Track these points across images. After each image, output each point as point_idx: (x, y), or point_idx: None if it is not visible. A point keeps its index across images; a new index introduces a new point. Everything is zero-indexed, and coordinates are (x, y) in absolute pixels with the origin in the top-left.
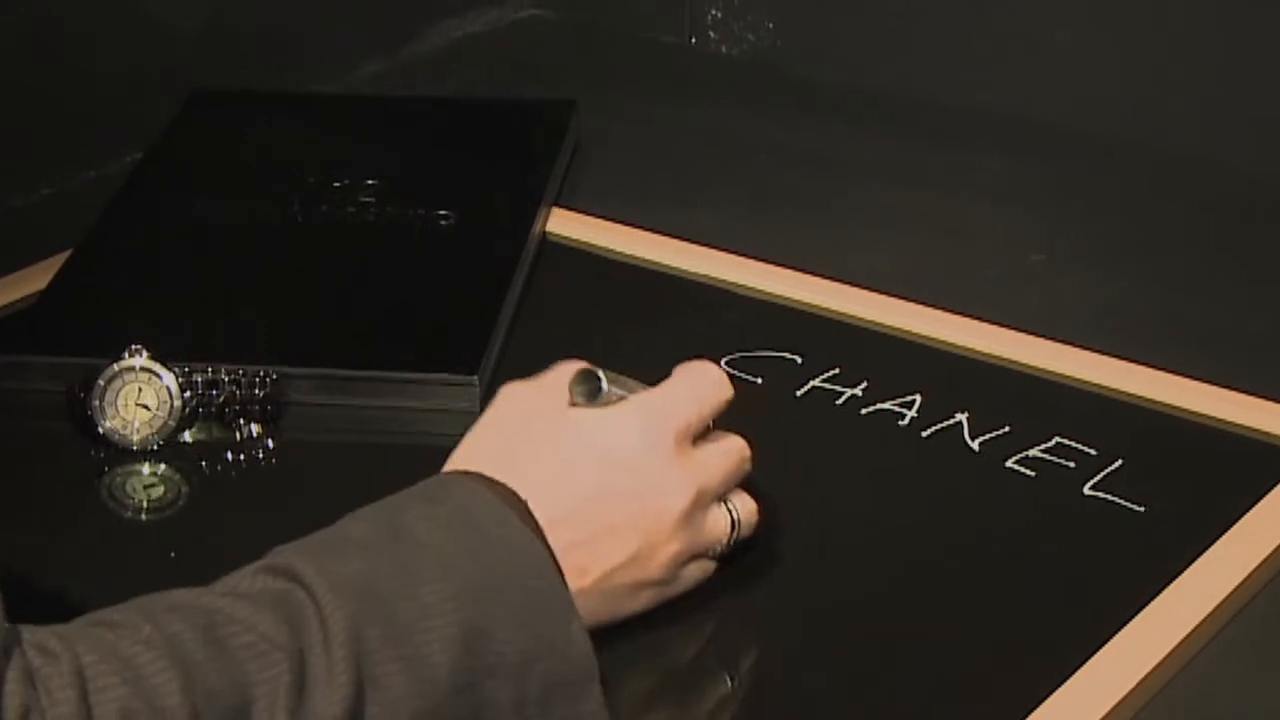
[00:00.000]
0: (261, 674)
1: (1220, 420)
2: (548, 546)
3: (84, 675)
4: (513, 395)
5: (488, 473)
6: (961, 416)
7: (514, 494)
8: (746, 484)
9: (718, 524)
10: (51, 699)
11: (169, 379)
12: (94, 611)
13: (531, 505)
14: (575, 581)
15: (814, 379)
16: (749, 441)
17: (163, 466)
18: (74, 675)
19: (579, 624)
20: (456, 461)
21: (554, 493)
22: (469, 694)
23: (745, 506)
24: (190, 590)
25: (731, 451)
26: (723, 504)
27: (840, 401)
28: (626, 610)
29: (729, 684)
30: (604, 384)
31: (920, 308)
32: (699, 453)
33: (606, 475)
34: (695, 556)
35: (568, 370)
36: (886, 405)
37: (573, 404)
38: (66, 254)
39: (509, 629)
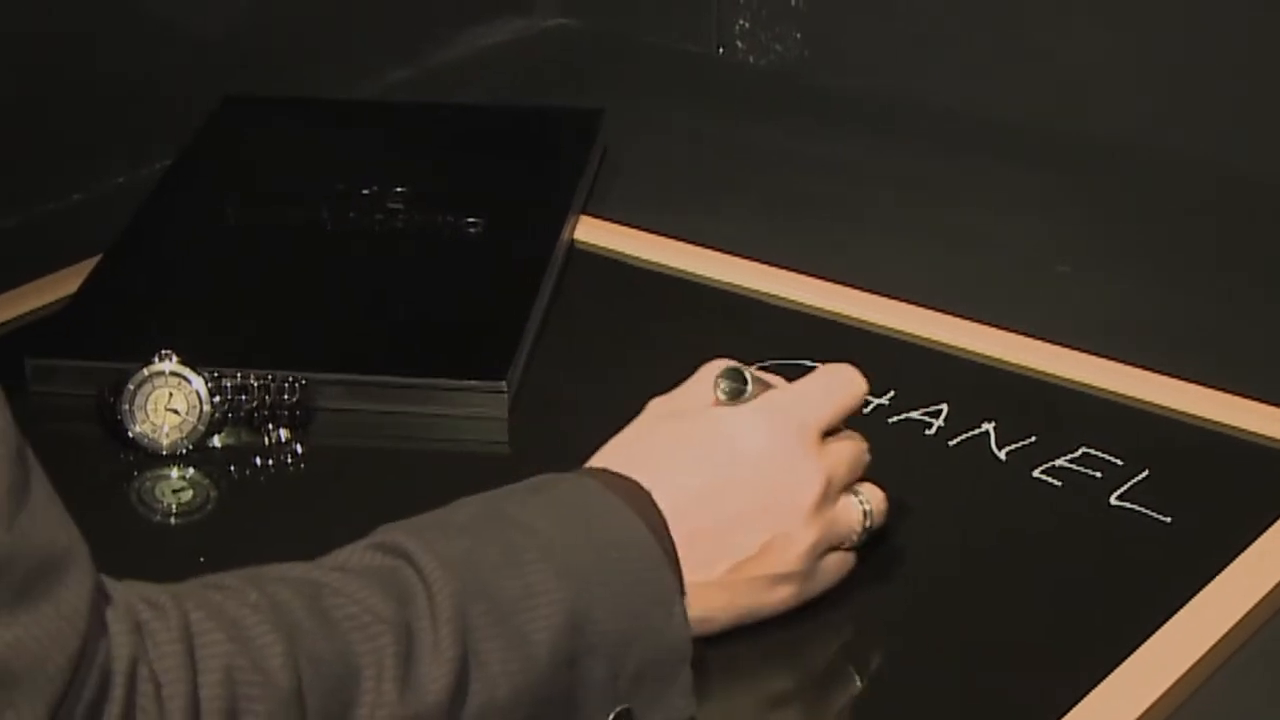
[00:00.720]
0: (366, 644)
1: (1248, 432)
2: (666, 534)
3: (191, 630)
4: (653, 406)
5: (616, 468)
6: (988, 426)
7: (637, 485)
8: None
9: (850, 513)
10: (159, 651)
11: (198, 384)
12: (206, 576)
13: (656, 496)
14: (702, 573)
15: None
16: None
17: (191, 471)
18: (181, 630)
19: (681, 607)
20: (596, 460)
21: (679, 484)
22: (566, 671)
23: (874, 495)
24: (298, 564)
25: (854, 441)
26: (852, 494)
27: (867, 411)
28: (766, 606)
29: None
30: (749, 382)
31: (947, 317)
32: (827, 445)
33: (734, 467)
34: (832, 548)
35: (707, 372)
36: (913, 414)
37: (717, 402)
38: (97, 259)
39: (609, 609)
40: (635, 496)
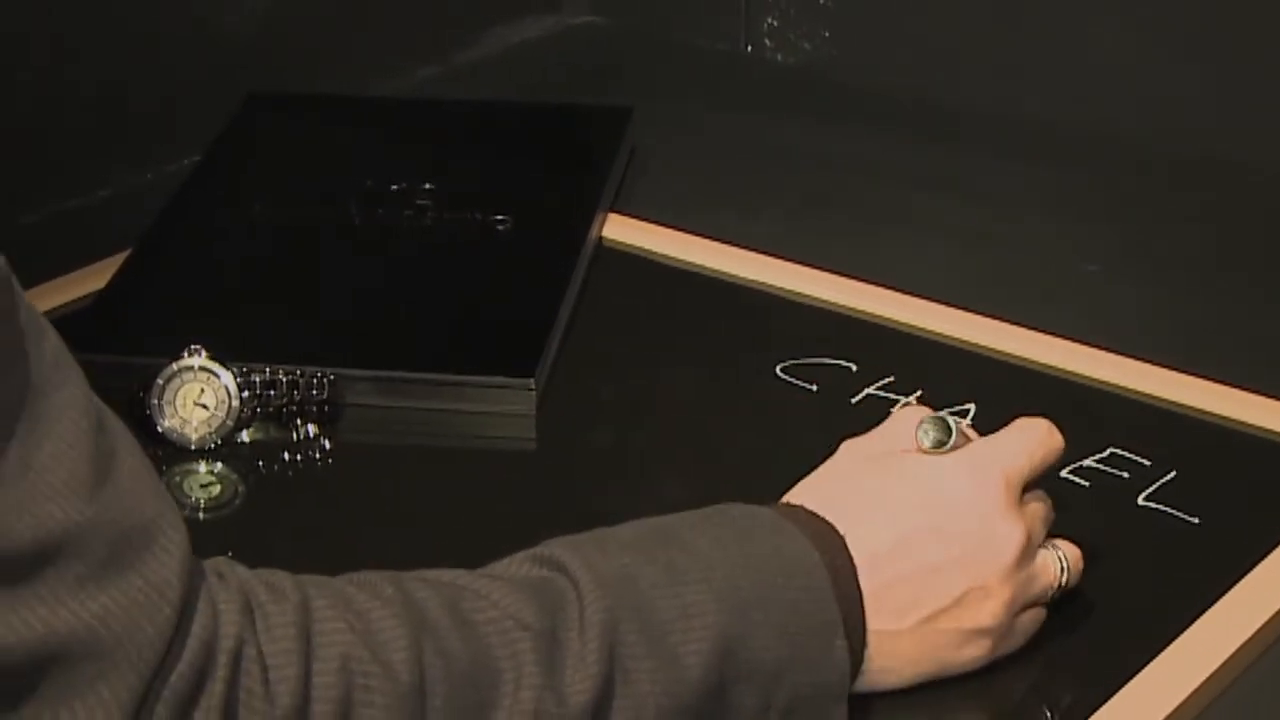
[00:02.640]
0: (504, 649)
1: (1276, 433)
2: (851, 576)
3: (311, 617)
4: (851, 446)
5: (811, 507)
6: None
7: (830, 527)
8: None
9: (1048, 569)
10: (271, 635)
11: (227, 379)
12: (345, 574)
13: (849, 540)
14: (893, 621)
15: (868, 386)
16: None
17: (220, 466)
18: (299, 615)
19: (844, 644)
20: (787, 497)
21: (875, 530)
22: (717, 696)
23: (1071, 552)
24: (447, 570)
25: (1045, 500)
26: (1051, 549)
27: (895, 409)
28: (956, 661)
29: None
30: (954, 431)
31: (975, 316)
32: (1026, 501)
33: (934, 516)
34: (1028, 605)
35: (906, 417)
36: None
37: (919, 449)
38: (126, 254)
39: (768, 638)
40: (822, 535)
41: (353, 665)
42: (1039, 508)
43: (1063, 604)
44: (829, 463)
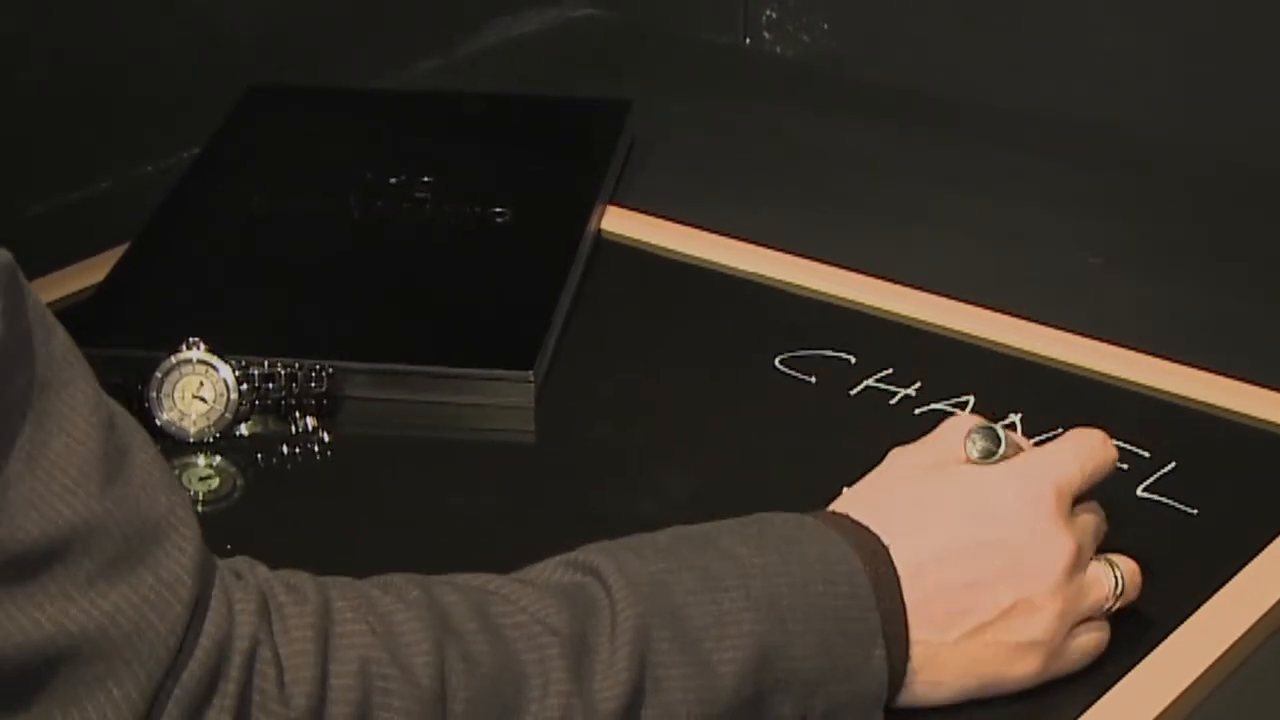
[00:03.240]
0: (531, 654)
1: (1275, 424)
2: (894, 586)
3: (331, 619)
4: (900, 454)
5: (855, 516)
6: (1015, 418)
7: (874, 537)
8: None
9: (1100, 583)
10: (288, 636)
11: (226, 372)
12: (373, 576)
13: (894, 550)
14: (937, 633)
15: (867, 378)
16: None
17: (218, 459)
18: (318, 616)
19: (883, 653)
20: (833, 505)
21: (920, 540)
22: (752, 705)
23: (1128, 567)
24: (479, 575)
25: (1098, 512)
26: (1106, 563)
27: (893, 401)
28: (1006, 677)
29: None
30: (1003, 441)
31: (974, 309)
32: (1077, 514)
33: (980, 528)
34: (1083, 620)
35: (956, 427)
36: (940, 405)
37: (968, 459)
38: (125, 247)
39: (807, 646)
40: (865, 543)
41: (372, 668)
42: (1090, 520)
43: None
44: (876, 471)
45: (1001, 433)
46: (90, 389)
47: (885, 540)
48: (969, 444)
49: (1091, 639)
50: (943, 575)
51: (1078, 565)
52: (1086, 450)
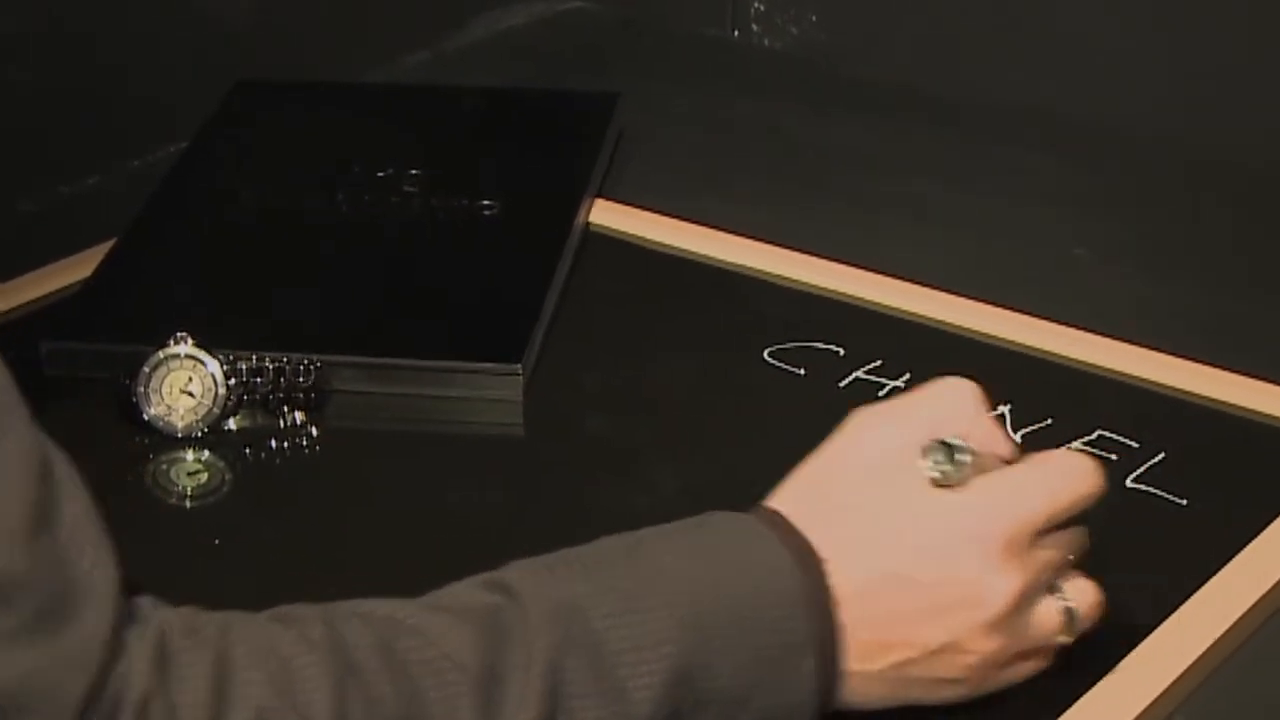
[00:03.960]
0: (438, 691)
1: (1264, 414)
2: (825, 601)
3: (228, 666)
4: (864, 428)
5: (801, 515)
6: (1004, 409)
7: (813, 551)
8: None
9: (1046, 622)
10: (183, 685)
11: (214, 366)
12: (280, 606)
13: (831, 568)
14: (865, 662)
15: (856, 371)
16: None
17: (207, 454)
18: (215, 664)
19: (810, 664)
20: (778, 496)
21: (860, 565)
22: None
23: (1084, 597)
24: (390, 601)
25: (1075, 534)
26: (1056, 597)
27: (883, 393)
28: (930, 699)
29: None
30: (961, 469)
31: (962, 300)
32: (1034, 549)
33: (921, 564)
34: (1021, 655)
35: (936, 399)
36: None
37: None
38: (113, 242)
39: (735, 662)
40: (804, 557)
41: (269, 716)
42: (1051, 556)
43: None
44: (836, 446)
45: (967, 458)
46: (27, 438)
47: (824, 555)
48: (929, 457)
49: (1027, 667)
50: (874, 606)
51: (1018, 609)
52: (1064, 482)
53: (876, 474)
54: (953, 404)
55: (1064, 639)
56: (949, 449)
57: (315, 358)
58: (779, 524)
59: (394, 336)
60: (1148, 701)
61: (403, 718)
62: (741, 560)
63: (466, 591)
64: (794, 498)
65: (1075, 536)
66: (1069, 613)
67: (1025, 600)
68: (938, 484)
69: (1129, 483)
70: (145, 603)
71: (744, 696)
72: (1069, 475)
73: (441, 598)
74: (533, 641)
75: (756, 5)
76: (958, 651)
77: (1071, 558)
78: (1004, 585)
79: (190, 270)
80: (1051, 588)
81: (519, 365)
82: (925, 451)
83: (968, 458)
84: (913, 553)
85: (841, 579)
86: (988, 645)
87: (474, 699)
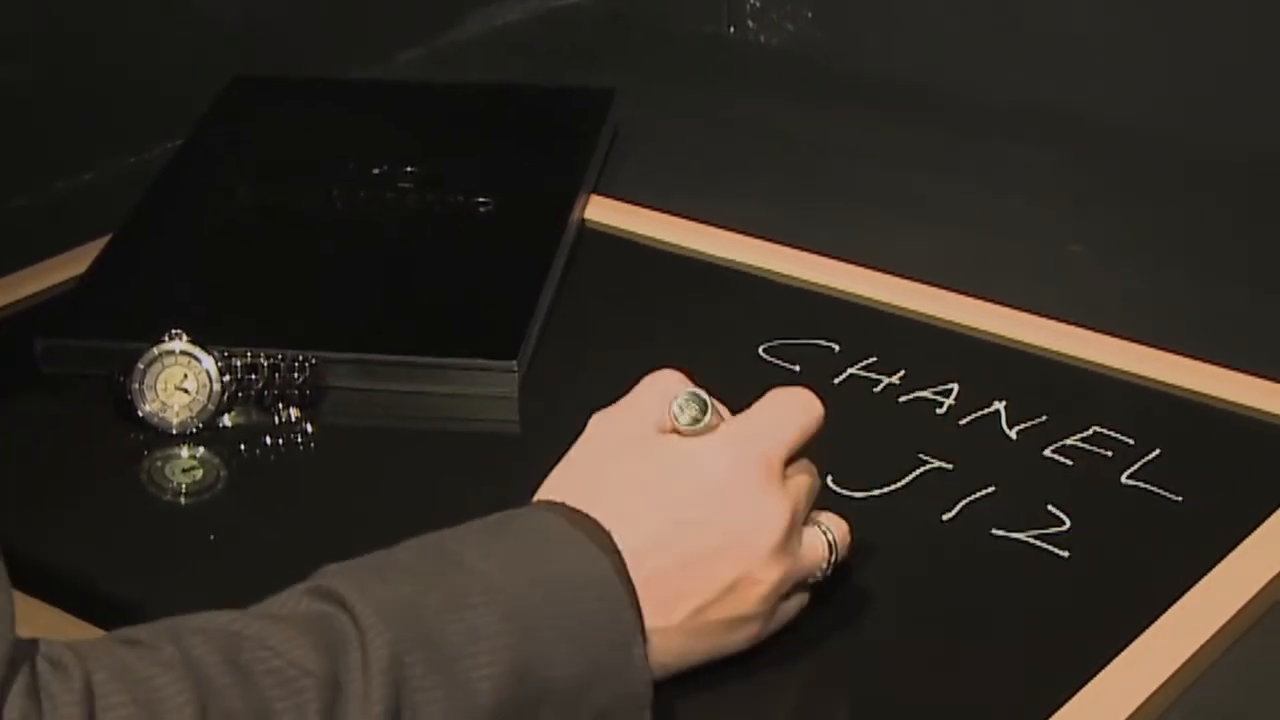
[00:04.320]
0: (285, 700)
1: (1259, 410)
2: (626, 575)
3: (93, 692)
4: (602, 423)
5: (571, 503)
6: (999, 405)
7: (597, 524)
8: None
9: (815, 548)
10: (56, 714)
11: (208, 363)
12: (122, 629)
13: (615, 535)
14: (663, 616)
15: (851, 367)
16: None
17: (201, 450)
18: (83, 691)
19: (641, 649)
20: (545, 491)
21: (639, 522)
22: (516, 718)
23: (838, 527)
24: (224, 613)
25: (811, 473)
26: (815, 526)
27: (878, 389)
28: (724, 647)
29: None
30: (710, 408)
31: (958, 296)
32: (789, 478)
33: (694, 506)
34: (796, 586)
35: (658, 387)
36: (924, 393)
37: (674, 429)
38: (108, 238)
39: (565, 655)
40: (596, 535)
41: None
42: (803, 481)
43: (1045, 581)
44: (582, 444)
45: (708, 400)
46: None
47: (608, 527)
48: (677, 410)
49: (796, 602)
50: (661, 558)
51: (792, 534)
52: (792, 411)
53: (626, 449)
54: (667, 388)
55: (828, 570)
56: (697, 397)
57: (310, 354)
58: (565, 512)
59: (389, 333)
60: (1143, 698)
61: None
62: (554, 558)
63: (295, 600)
64: (560, 489)
65: (813, 473)
66: (829, 540)
67: (796, 524)
68: (687, 434)
69: (1124, 479)
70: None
71: (581, 688)
72: (797, 406)
73: (272, 608)
74: (369, 643)
75: (752, 1)
76: (749, 584)
77: (819, 483)
78: (777, 508)
79: (185, 267)
80: (808, 520)
81: (515, 362)
82: (676, 404)
83: (710, 401)
84: (685, 497)
85: (625, 545)
86: (774, 572)
87: (321, 704)
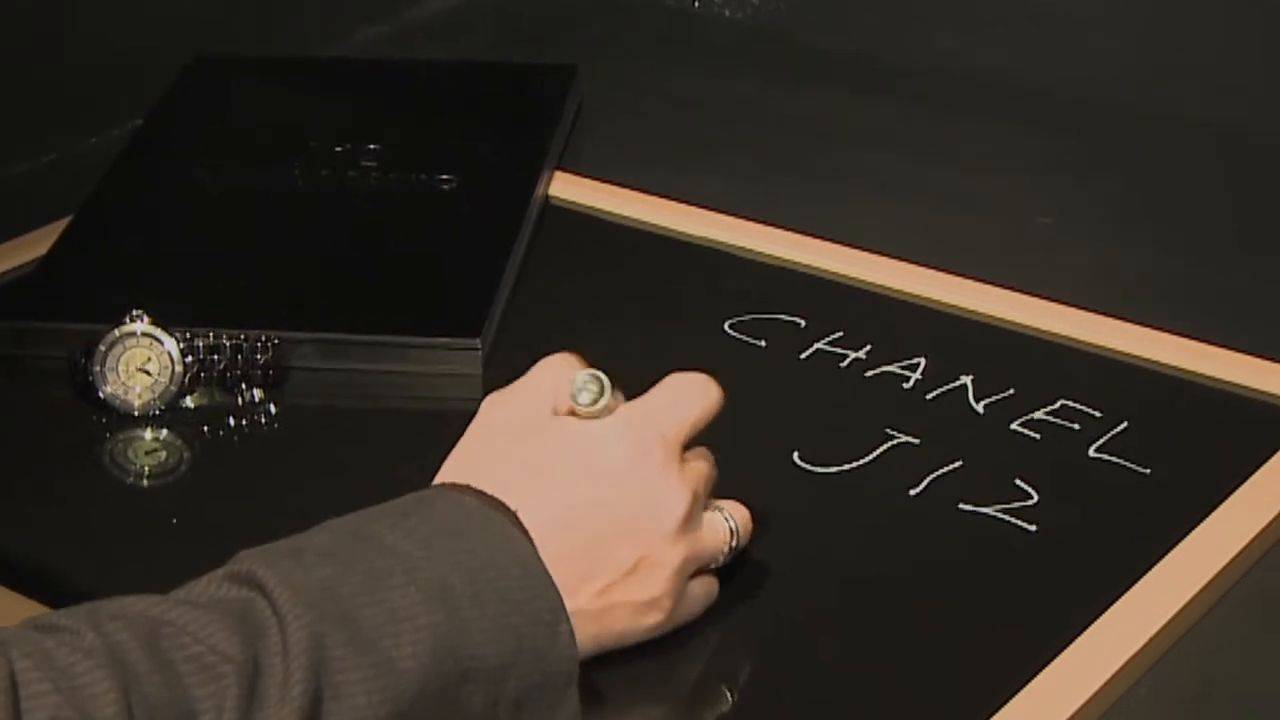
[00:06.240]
0: (205, 687)
1: (1226, 383)
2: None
3: (16, 681)
4: (497, 405)
5: (475, 485)
6: (966, 379)
7: (502, 504)
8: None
9: (717, 532)
10: None
11: (170, 344)
12: (40, 614)
13: (521, 516)
14: (569, 600)
15: (817, 342)
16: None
17: (164, 432)
18: (5, 680)
19: (567, 626)
20: (444, 475)
21: (543, 504)
22: (441, 698)
23: (739, 513)
24: (144, 598)
25: (708, 458)
26: (716, 511)
27: (844, 364)
28: (633, 633)
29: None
30: (608, 389)
31: (924, 270)
32: (688, 461)
33: (595, 487)
34: (699, 571)
35: (549, 369)
36: (890, 368)
37: (571, 411)
38: (68, 220)
39: (488, 632)
40: (502, 514)
41: None
42: (702, 466)
43: (1013, 555)
44: (478, 426)
45: (605, 380)
46: None
47: (513, 508)
48: (576, 392)
49: (704, 588)
50: (565, 540)
51: (693, 515)
52: (690, 395)
53: (526, 431)
54: (562, 370)
55: (729, 554)
56: (597, 379)
57: (273, 334)
58: (475, 493)
59: (352, 312)
60: (1111, 672)
61: (177, 715)
62: (470, 536)
63: (212, 587)
64: (460, 472)
65: (708, 460)
66: (730, 525)
67: (697, 506)
68: (584, 415)
69: (1092, 452)
70: None
71: (506, 665)
72: (695, 390)
73: (191, 594)
74: (288, 626)
75: None
76: (651, 564)
77: (714, 472)
78: (676, 489)
79: (146, 247)
80: (709, 506)
81: (478, 340)
82: (574, 385)
83: (607, 382)
84: (585, 479)
85: (531, 519)
86: (675, 554)
87: (240, 689)
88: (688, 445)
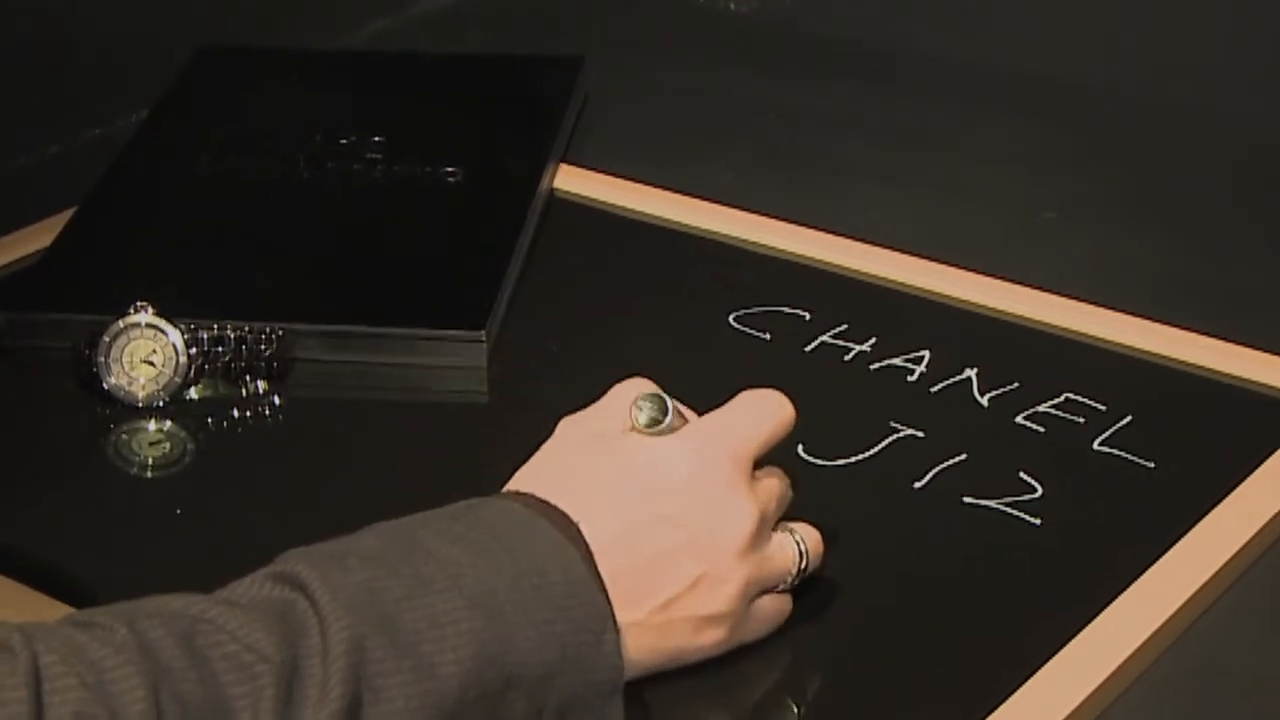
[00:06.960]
0: (241, 686)
1: (1231, 376)
2: (593, 562)
3: (40, 675)
4: (571, 424)
5: (538, 495)
6: (971, 372)
7: (563, 514)
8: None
9: (785, 552)
10: (1, 698)
11: (175, 335)
12: (80, 611)
13: (583, 529)
14: (627, 613)
15: (823, 335)
16: None
17: (168, 423)
18: (29, 674)
19: (613, 635)
20: (510, 489)
21: (605, 518)
22: (481, 705)
23: (810, 535)
24: (184, 596)
25: (780, 478)
26: (787, 532)
27: (849, 357)
28: (692, 650)
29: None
30: (670, 409)
31: (929, 264)
32: (758, 480)
33: (661, 501)
34: (766, 590)
35: (626, 392)
36: (895, 361)
37: (634, 429)
38: (72, 211)
39: (531, 639)
40: (562, 525)
41: None
42: (774, 485)
43: (1017, 549)
44: (550, 444)
45: (669, 401)
46: None
47: (575, 518)
48: (635, 412)
49: (773, 607)
50: (627, 554)
51: (760, 534)
52: (762, 414)
53: (591, 447)
54: (633, 392)
55: (796, 578)
56: (655, 399)
57: (277, 326)
58: (532, 503)
59: (357, 304)
60: (1115, 665)
61: (212, 713)
62: (517, 543)
63: (254, 587)
64: (528, 481)
65: (782, 478)
66: (800, 548)
67: (765, 525)
68: (651, 433)
69: (1096, 445)
70: None
71: (550, 674)
72: (767, 406)
73: (233, 593)
74: (329, 629)
75: None
76: (714, 582)
77: (789, 492)
78: (744, 507)
79: (151, 239)
80: (779, 527)
81: (483, 332)
82: (636, 405)
83: (670, 404)
84: (647, 495)
85: (591, 538)
86: (740, 572)
87: (278, 689)
88: (761, 463)
